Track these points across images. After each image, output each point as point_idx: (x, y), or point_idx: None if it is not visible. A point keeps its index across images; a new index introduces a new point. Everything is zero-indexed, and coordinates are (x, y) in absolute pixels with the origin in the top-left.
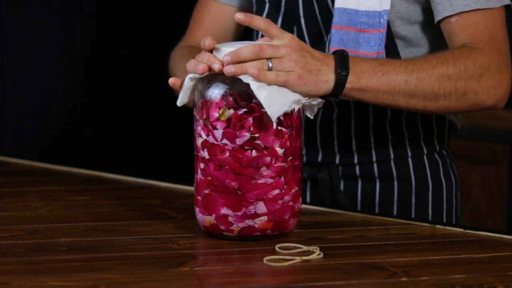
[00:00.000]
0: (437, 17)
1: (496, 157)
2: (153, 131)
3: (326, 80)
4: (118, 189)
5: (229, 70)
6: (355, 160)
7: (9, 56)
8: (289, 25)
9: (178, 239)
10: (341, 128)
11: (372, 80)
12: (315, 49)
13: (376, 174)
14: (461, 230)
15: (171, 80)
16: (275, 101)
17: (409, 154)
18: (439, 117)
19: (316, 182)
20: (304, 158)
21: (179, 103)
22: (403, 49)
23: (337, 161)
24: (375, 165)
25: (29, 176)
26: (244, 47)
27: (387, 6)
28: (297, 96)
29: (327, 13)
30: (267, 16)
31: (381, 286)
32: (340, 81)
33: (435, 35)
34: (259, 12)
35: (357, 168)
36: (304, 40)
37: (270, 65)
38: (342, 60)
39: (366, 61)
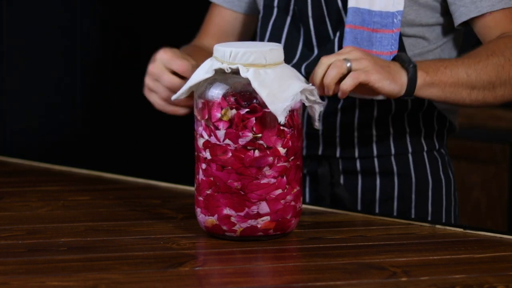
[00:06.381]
0: (461, 19)
1: (496, 157)
2: (153, 131)
3: (400, 75)
4: (118, 189)
5: (326, 92)
6: (356, 153)
7: (9, 55)
8: (297, 27)
9: (178, 239)
10: (344, 118)
11: (438, 74)
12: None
13: (377, 169)
14: (461, 230)
15: (183, 66)
16: (277, 97)
17: (410, 150)
18: (440, 115)
19: (315, 178)
20: (304, 151)
21: (174, 98)
22: (411, 47)
23: (337, 154)
24: (375, 160)
25: (29, 176)
26: (317, 68)
27: (400, 7)
28: (298, 87)
29: (337, 14)
30: (275, 20)
31: (381, 286)
32: (412, 75)
33: (444, 33)
34: (267, 17)
35: (357, 162)
36: (311, 41)
37: (349, 64)
38: (405, 58)
39: (424, 60)
